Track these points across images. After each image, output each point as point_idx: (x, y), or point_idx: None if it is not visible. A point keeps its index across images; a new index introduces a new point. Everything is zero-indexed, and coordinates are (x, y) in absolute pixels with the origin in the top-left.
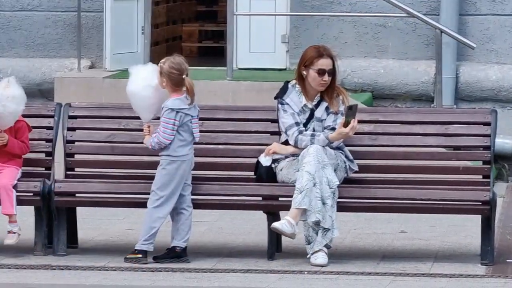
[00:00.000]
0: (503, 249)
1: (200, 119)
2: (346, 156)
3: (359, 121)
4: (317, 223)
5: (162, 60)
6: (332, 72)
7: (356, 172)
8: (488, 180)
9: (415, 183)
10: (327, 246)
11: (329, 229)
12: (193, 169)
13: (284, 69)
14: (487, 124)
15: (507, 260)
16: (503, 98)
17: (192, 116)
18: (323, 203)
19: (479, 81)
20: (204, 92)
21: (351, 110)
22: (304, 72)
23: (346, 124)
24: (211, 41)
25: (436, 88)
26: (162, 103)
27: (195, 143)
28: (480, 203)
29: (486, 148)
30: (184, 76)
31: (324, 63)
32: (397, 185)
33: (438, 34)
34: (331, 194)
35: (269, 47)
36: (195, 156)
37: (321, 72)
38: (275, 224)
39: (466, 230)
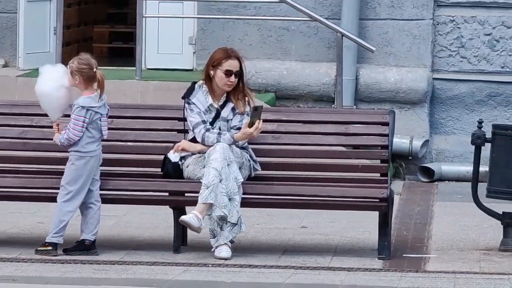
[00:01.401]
0: (399, 244)
1: (110, 117)
2: (251, 156)
3: (263, 121)
4: (222, 218)
5: (71, 61)
6: (239, 74)
7: (257, 171)
8: (386, 178)
9: (316, 180)
10: (230, 240)
11: (236, 224)
12: (102, 165)
13: (191, 70)
14: (385, 124)
15: (403, 255)
16: (401, 99)
17: (101, 114)
18: (230, 199)
19: (378, 83)
20: (113, 91)
21: (256, 111)
22: (212, 72)
23: (251, 125)
24: (121, 42)
25: (337, 89)
26: (71, 102)
27: (105, 140)
28: (378, 200)
29: (384, 147)
30: (95, 70)
31: (231, 64)
32: (299, 182)
33: (339, 37)
34: (238, 190)
35: (176, 48)
36: (105, 153)
37: (228, 73)
38: (184, 217)
39: (364, 226)
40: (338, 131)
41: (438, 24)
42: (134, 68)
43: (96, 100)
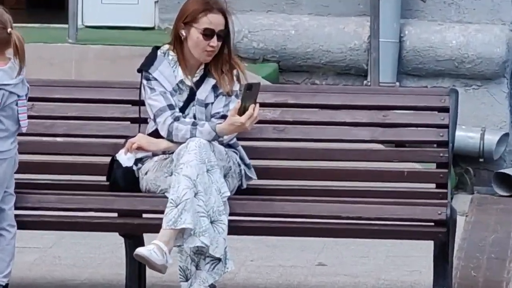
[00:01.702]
0: None
1: (30, 99)
2: (242, 158)
3: (261, 105)
4: (199, 251)
5: None
6: (224, 35)
7: (252, 180)
8: (445, 190)
9: (340, 195)
10: (211, 285)
11: (219, 260)
12: (18, 172)
13: (152, 28)
14: (444, 110)
15: None
16: (467, 72)
17: (18, 96)
18: (211, 222)
19: (433, 48)
20: (35, 60)
21: (250, 91)
22: (184, 33)
23: (242, 111)
24: None
25: (371, 58)
26: None
27: (22, 134)
28: (433, 224)
29: (442, 144)
30: (10, 30)
31: (213, 20)
32: (313, 197)
33: None
34: (224, 208)
35: None
36: (22, 153)
37: (208, 34)
38: (141, 251)
39: (412, 263)
40: (373, 120)
41: None
42: (66, 25)
43: (10, 75)
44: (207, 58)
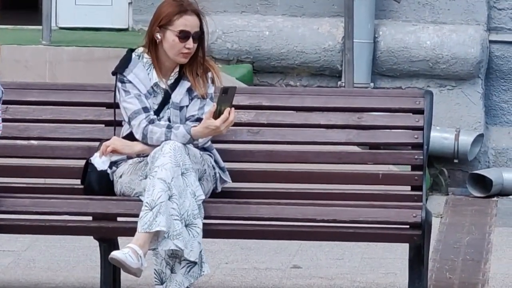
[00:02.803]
0: None
1: (3, 102)
2: (216, 161)
3: (235, 107)
4: (174, 254)
5: None
6: (199, 37)
7: (226, 183)
8: (420, 193)
9: (314, 197)
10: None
11: (195, 263)
12: None
13: (126, 29)
14: (419, 111)
15: None
16: (442, 73)
17: None
18: (186, 225)
19: (407, 49)
20: (8, 62)
21: (226, 95)
22: (158, 35)
23: (217, 114)
24: None
25: (345, 58)
26: None
27: None
28: (408, 227)
29: (417, 146)
30: None
31: (188, 22)
32: (288, 200)
33: None
34: (198, 211)
35: None
36: None
37: (183, 36)
38: (116, 254)
39: (387, 265)
40: (347, 122)
41: None
42: (39, 27)
43: None
44: (183, 60)
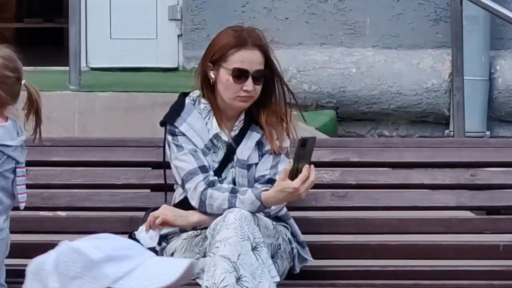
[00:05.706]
0: None
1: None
2: (293, 234)
3: (316, 165)
4: None
5: None
6: (262, 75)
7: (307, 261)
8: None
9: (418, 277)
10: None
11: None
12: (10, 257)
13: (176, 69)
14: None
15: None
16: None
17: (18, 163)
18: None
19: None
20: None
21: (304, 148)
22: (212, 74)
23: (294, 174)
24: (41, 19)
25: (454, 100)
26: None
27: (13, 209)
28: None
29: None
30: (24, 82)
31: (246, 58)
32: (385, 281)
33: (457, 2)
34: None
35: (146, 28)
36: (13, 233)
37: (238, 75)
38: None
39: None
40: (458, 181)
41: None
42: (66, 68)
43: (11, 134)
44: (241, 105)
